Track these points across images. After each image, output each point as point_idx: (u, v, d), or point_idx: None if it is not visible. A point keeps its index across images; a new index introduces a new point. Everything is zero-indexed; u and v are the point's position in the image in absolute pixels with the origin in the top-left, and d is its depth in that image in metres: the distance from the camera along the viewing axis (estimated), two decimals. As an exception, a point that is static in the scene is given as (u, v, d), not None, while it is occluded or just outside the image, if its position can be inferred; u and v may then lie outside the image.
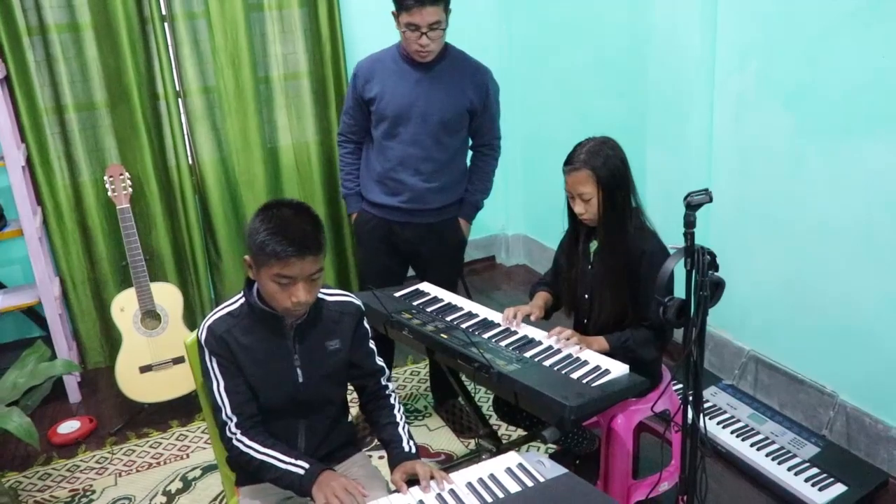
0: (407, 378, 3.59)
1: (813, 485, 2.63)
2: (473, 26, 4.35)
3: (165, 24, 3.65)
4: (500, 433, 2.87)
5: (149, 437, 3.26)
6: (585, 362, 2.12)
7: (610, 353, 2.21)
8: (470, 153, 3.05)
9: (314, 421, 1.96)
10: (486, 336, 2.31)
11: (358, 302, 2.00)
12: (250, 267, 1.80)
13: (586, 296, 2.41)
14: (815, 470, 2.70)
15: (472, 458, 2.74)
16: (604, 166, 2.23)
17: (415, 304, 2.58)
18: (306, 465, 1.78)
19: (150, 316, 3.29)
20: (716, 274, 1.90)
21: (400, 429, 1.96)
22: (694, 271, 1.89)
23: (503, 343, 2.26)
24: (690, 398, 1.98)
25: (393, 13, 2.69)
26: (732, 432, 2.94)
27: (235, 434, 1.83)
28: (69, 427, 3.29)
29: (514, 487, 1.71)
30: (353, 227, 3.10)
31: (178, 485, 2.94)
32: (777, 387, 3.10)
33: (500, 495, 1.69)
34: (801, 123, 2.81)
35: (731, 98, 3.07)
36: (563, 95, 4.16)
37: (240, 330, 1.85)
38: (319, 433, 1.98)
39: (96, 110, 3.63)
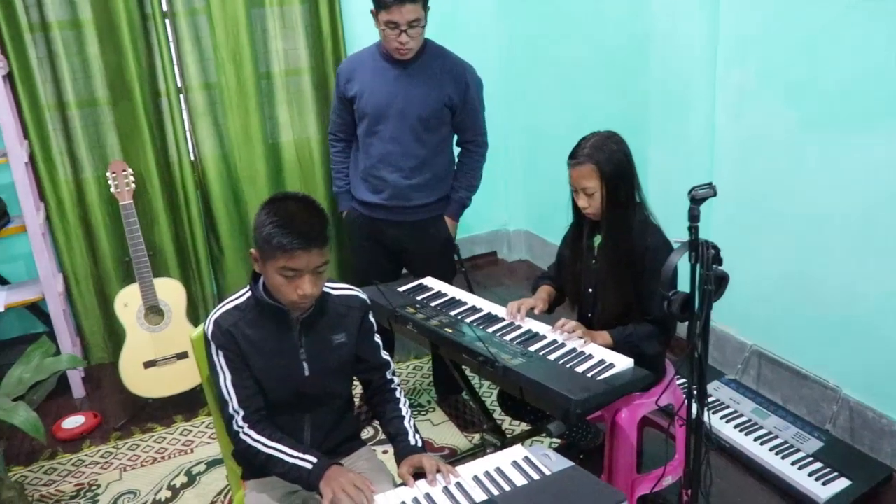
0: (410, 373, 3.60)
1: (817, 479, 2.63)
2: (475, 21, 4.36)
3: (167, 21, 3.65)
4: (503, 428, 2.87)
5: (153, 432, 3.27)
6: (590, 356, 2.13)
7: (613, 348, 2.22)
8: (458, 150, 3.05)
9: (320, 414, 1.97)
10: (490, 330, 2.31)
11: (363, 296, 2.00)
12: (256, 260, 1.81)
13: (590, 290, 2.41)
14: (818, 464, 2.70)
15: (477, 452, 2.76)
16: (608, 161, 2.23)
17: (419, 298, 2.59)
18: (314, 460, 1.78)
19: (154, 311, 3.29)
20: (720, 268, 1.91)
21: (406, 422, 1.97)
22: (698, 265, 1.89)
23: (508, 337, 2.27)
24: (694, 392, 1.99)
25: (372, 11, 2.71)
26: (735, 427, 2.94)
27: (243, 427, 1.83)
28: (74, 422, 3.30)
29: (520, 480, 1.72)
30: (344, 224, 3.11)
31: (182, 479, 2.94)
32: (780, 381, 3.10)
33: (507, 488, 1.70)
34: (802, 117, 2.81)
35: (733, 92, 3.07)
36: (564, 90, 4.16)
37: (246, 323, 1.85)
38: (325, 427, 1.98)
39: (98, 107, 3.63)
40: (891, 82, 2.48)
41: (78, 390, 3.58)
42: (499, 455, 1.82)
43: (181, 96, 3.77)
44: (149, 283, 3.25)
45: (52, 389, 2.81)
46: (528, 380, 2.00)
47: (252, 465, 1.91)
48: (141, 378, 3.28)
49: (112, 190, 3.24)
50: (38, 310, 3.77)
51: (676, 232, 1.99)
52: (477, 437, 3.04)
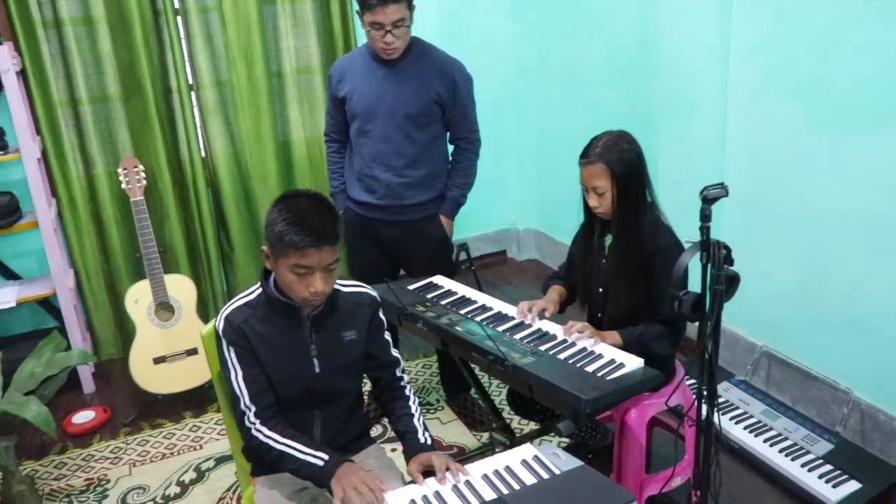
0: (419, 371, 3.60)
1: (826, 481, 2.62)
2: (486, 21, 4.36)
3: (178, 18, 3.67)
4: (512, 426, 2.87)
5: (162, 427, 3.28)
6: (600, 356, 2.13)
7: (623, 348, 2.21)
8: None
9: (330, 411, 1.97)
10: (500, 329, 2.31)
11: (374, 293, 2.01)
12: (268, 257, 1.81)
13: (600, 289, 2.41)
14: (828, 467, 2.69)
15: (485, 451, 2.76)
16: (619, 161, 2.23)
17: (429, 296, 2.59)
18: (325, 457, 1.79)
19: (164, 308, 3.31)
20: (731, 268, 1.90)
21: (415, 420, 1.97)
22: (709, 265, 1.88)
23: (518, 336, 2.26)
24: (704, 393, 1.98)
25: (357, 13, 2.71)
26: (745, 428, 2.93)
27: (255, 424, 1.84)
28: (84, 417, 3.32)
29: (529, 479, 1.72)
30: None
31: (191, 475, 2.95)
32: (790, 383, 3.09)
33: (516, 487, 1.69)
34: (813, 117, 2.80)
35: (744, 92, 3.06)
36: (575, 90, 4.15)
37: (257, 320, 1.86)
38: (335, 424, 1.99)
39: (110, 103, 3.65)
40: (903, 83, 2.47)
41: (88, 385, 3.60)
42: (508, 454, 1.82)
43: (192, 93, 3.79)
44: (159, 279, 3.26)
45: (63, 384, 2.82)
46: (538, 379, 2.00)
47: (262, 461, 1.92)
48: (151, 374, 3.29)
49: (123, 186, 3.25)
50: (49, 305, 3.79)
51: (687, 232, 1.98)
52: (485, 435, 3.04)
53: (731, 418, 2.99)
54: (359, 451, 2.04)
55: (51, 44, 3.48)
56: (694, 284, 1.95)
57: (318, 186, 4.08)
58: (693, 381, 2.92)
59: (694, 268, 1.91)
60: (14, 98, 3.15)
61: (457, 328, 2.30)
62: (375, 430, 3.09)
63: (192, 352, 3.33)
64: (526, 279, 4.62)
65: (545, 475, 1.73)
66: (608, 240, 2.38)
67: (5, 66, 3.09)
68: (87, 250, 3.72)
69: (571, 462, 1.76)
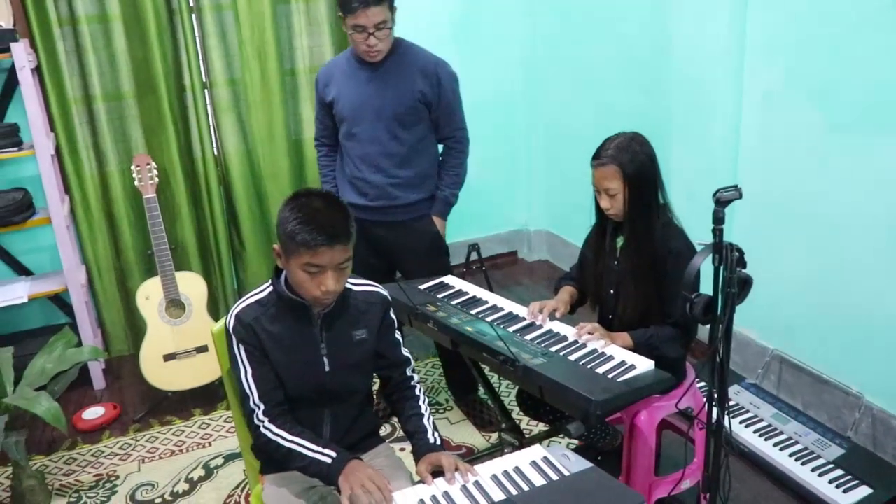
0: (428, 371, 3.60)
1: (837, 486, 2.61)
2: (498, 20, 4.35)
3: (193, 16, 3.68)
4: (521, 427, 2.86)
5: (171, 424, 3.29)
6: (611, 357, 2.12)
7: (634, 350, 2.20)
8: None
9: (339, 410, 1.97)
10: (511, 330, 2.31)
11: (384, 292, 2.01)
12: (279, 256, 1.82)
13: (612, 291, 2.40)
14: (839, 471, 2.67)
15: (494, 451, 2.76)
16: (631, 162, 2.22)
17: (440, 296, 2.59)
18: (333, 455, 1.79)
19: (175, 305, 3.32)
20: (743, 271, 1.89)
21: (425, 420, 1.96)
22: (722, 268, 1.87)
23: (528, 337, 2.26)
24: (715, 396, 1.97)
25: (339, 16, 2.72)
26: (755, 432, 2.92)
27: (263, 421, 1.84)
28: (94, 413, 3.33)
29: (539, 481, 1.71)
30: None
31: (200, 472, 2.96)
32: (801, 387, 3.07)
33: (525, 488, 1.69)
34: (828, 119, 2.78)
35: (759, 93, 3.04)
36: (587, 90, 4.14)
37: (268, 318, 1.86)
38: (344, 423, 1.99)
39: (124, 101, 3.67)
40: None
41: (98, 382, 3.62)
42: (517, 455, 1.82)
43: (206, 91, 3.80)
44: (170, 276, 3.28)
45: (73, 380, 2.84)
46: (548, 380, 2.00)
47: (271, 459, 1.92)
48: (161, 371, 3.31)
49: (136, 183, 3.27)
50: (60, 301, 3.81)
51: (699, 234, 1.97)
52: (494, 436, 3.04)
53: (742, 422, 2.98)
54: (368, 451, 2.04)
55: (66, 41, 3.50)
56: (706, 287, 1.94)
57: (330, 185, 4.09)
58: (703, 383, 2.91)
59: (706, 270, 1.90)
60: (29, 95, 3.17)
61: (467, 328, 2.29)
62: (384, 430, 3.09)
63: (203, 349, 3.34)
64: (536, 280, 4.61)
65: (554, 476, 1.72)
66: (620, 241, 2.37)
67: (21, 63, 3.11)
68: (99, 247, 3.74)
69: (581, 463, 1.75)
